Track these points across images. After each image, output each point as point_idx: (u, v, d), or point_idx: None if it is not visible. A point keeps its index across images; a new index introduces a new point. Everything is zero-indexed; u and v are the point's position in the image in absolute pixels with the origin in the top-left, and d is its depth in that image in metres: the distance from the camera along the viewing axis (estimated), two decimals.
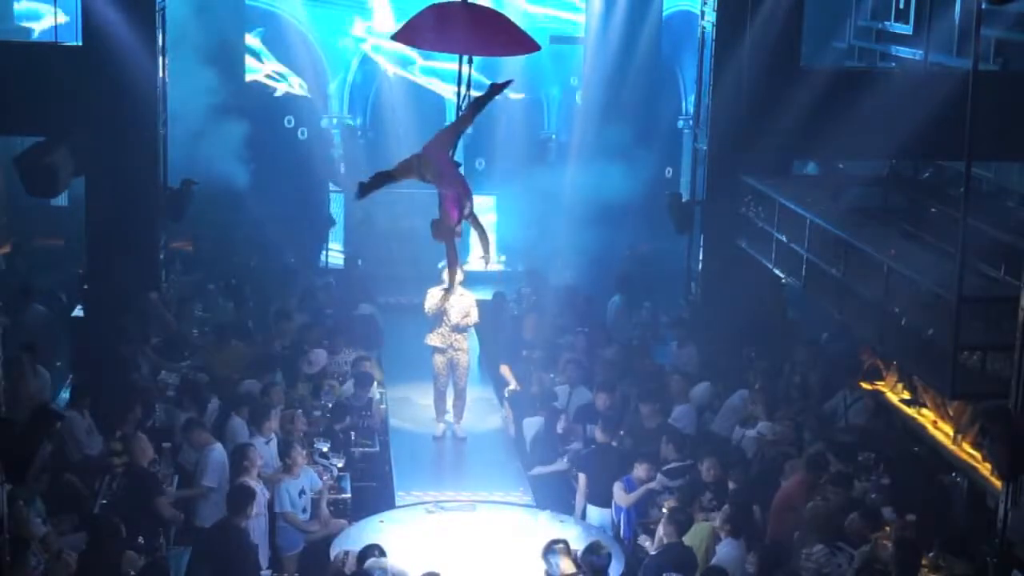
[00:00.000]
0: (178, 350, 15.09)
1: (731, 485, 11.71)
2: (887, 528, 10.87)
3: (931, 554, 10.58)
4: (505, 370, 15.42)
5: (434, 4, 9.41)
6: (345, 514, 12.25)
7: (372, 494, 13.12)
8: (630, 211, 19.14)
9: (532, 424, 13.98)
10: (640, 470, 12.08)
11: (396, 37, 9.69)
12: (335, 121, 20.76)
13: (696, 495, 11.57)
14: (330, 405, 13.98)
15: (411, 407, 15.24)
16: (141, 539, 10.64)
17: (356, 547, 10.60)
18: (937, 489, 11.82)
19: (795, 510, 11.19)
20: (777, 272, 14.62)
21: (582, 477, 12.58)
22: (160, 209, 15.34)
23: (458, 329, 14.40)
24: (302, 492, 11.74)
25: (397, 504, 12.69)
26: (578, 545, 10.72)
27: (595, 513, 12.33)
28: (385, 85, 20.45)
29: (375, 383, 14.75)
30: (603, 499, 12.31)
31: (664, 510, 11.27)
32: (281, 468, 11.81)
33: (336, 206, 20.49)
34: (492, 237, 12.16)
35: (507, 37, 9.41)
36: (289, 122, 20.11)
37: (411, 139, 17.76)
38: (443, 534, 11.63)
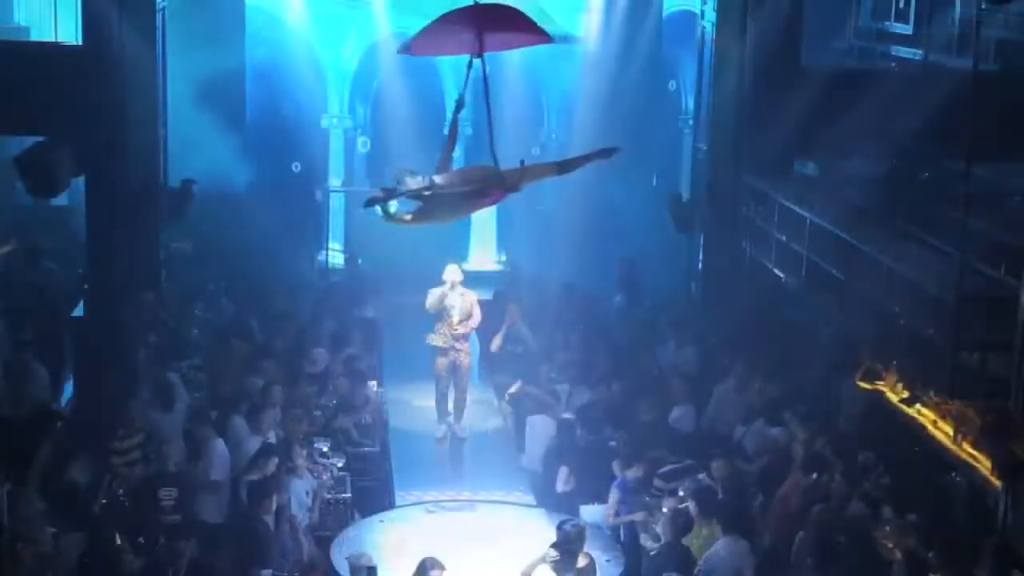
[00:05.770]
0: (178, 350, 15.00)
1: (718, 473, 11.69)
2: (887, 528, 10.82)
3: (931, 554, 10.52)
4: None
5: (445, 13, 8.83)
6: (345, 514, 12.24)
7: (372, 494, 13.09)
8: (629, 211, 19.05)
9: (536, 423, 13.73)
10: (635, 471, 11.95)
11: (411, 50, 9.40)
12: (335, 121, 20.68)
13: (708, 497, 11.31)
14: (332, 403, 13.92)
15: (411, 407, 15.20)
16: (141, 539, 10.57)
17: (356, 547, 10.58)
18: (937, 489, 11.77)
19: (793, 511, 11.15)
20: (777, 272, 14.54)
21: (563, 471, 12.51)
22: (160, 209, 15.32)
23: (462, 338, 14.39)
24: (307, 493, 11.70)
25: (397, 504, 12.69)
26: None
27: (587, 511, 12.06)
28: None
29: (372, 382, 14.71)
30: (595, 497, 12.19)
31: (665, 510, 11.20)
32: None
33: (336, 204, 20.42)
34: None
35: (518, 30, 9.07)
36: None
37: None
38: (443, 534, 11.59)
